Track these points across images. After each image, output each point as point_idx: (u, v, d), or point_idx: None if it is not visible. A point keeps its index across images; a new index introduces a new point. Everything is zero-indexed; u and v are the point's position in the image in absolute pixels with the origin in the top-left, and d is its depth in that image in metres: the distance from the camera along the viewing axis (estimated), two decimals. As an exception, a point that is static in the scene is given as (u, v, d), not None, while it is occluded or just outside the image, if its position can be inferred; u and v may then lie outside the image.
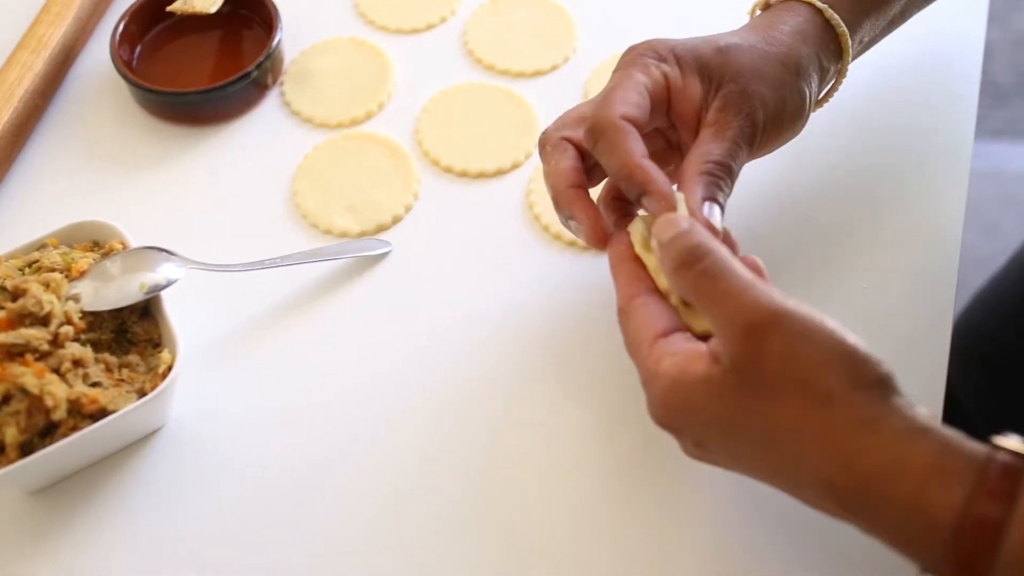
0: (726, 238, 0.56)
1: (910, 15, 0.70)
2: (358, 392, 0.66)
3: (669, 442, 0.53)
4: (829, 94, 0.66)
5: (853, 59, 0.65)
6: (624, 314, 0.54)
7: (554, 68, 0.81)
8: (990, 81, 1.85)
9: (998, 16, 1.86)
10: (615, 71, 0.60)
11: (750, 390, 0.48)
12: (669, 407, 0.51)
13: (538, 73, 0.81)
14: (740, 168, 0.58)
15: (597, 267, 0.71)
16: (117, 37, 0.80)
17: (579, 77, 0.81)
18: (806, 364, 0.47)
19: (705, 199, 0.55)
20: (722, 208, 0.56)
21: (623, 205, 0.61)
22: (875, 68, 0.79)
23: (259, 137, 0.79)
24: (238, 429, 0.65)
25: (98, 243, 0.67)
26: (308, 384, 0.67)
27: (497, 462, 0.63)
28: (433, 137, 0.77)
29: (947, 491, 0.44)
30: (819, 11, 0.63)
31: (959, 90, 0.79)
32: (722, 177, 0.56)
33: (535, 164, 0.76)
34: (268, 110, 0.80)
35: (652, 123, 0.60)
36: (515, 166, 0.76)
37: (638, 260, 0.56)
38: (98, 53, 0.83)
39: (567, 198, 0.59)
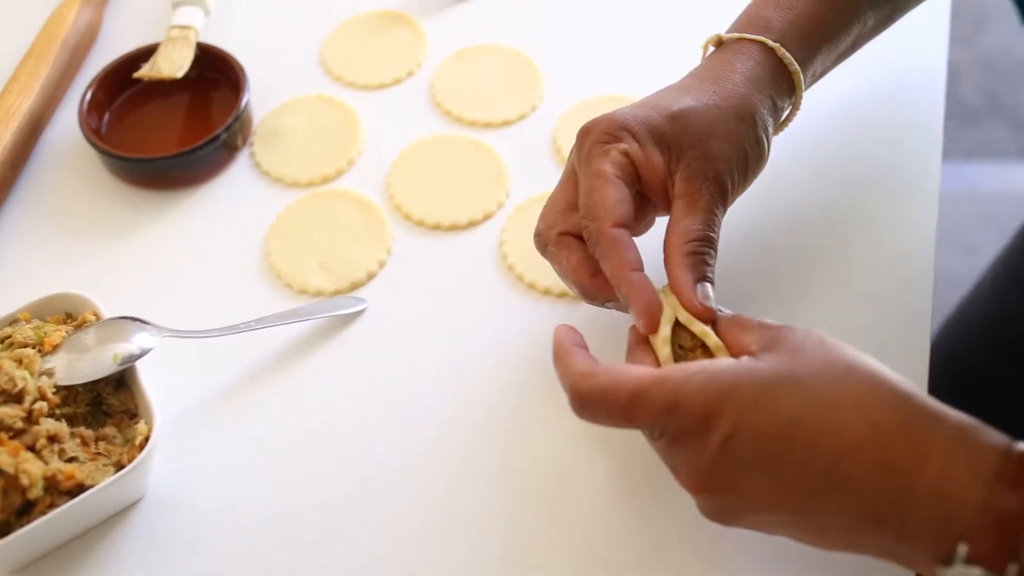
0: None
1: (860, 46, 0.71)
2: (339, 453, 0.66)
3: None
4: (783, 125, 0.67)
5: (805, 91, 0.66)
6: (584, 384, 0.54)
7: (522, 117, 0.82)
8: (959, 102, 1.87)
9: (964, 38, 1.88)
10: (579, 165, 0.61)
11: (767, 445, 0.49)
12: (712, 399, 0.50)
13: (506, 123, 0.82)
14: (719, 229, 0.60)
15: (575, 313, 0.71)
16: (85, 105, 0.80)
17: (547, 125, 0.81)
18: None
19: (697, 281, 0.57)
20: (712, 282, 0.58)
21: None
22: (840, 101, 0.80)
23: (231, 199, 0.79)
24: (218, 494, 0.64)
25: (71, 315, 0.67)
26: (288, 447, 0.66)
27: (480, 519, 0.62)
28: (404, 191, 0.78)
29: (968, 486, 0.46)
30: (771, 50, 0.63)
31: (924, 117, 0.80)
32: (707, 252, 0.58)
33: (507, 214, 0.76)
34: (239, 171, 0.81)
35: (636, 212, 0.61)
36: (487, 217, 0.76)
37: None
38: (67, 122, 0.84)
39: (595, 286, 0.61)
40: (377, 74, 0.85)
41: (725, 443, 0.49)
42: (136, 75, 0.81)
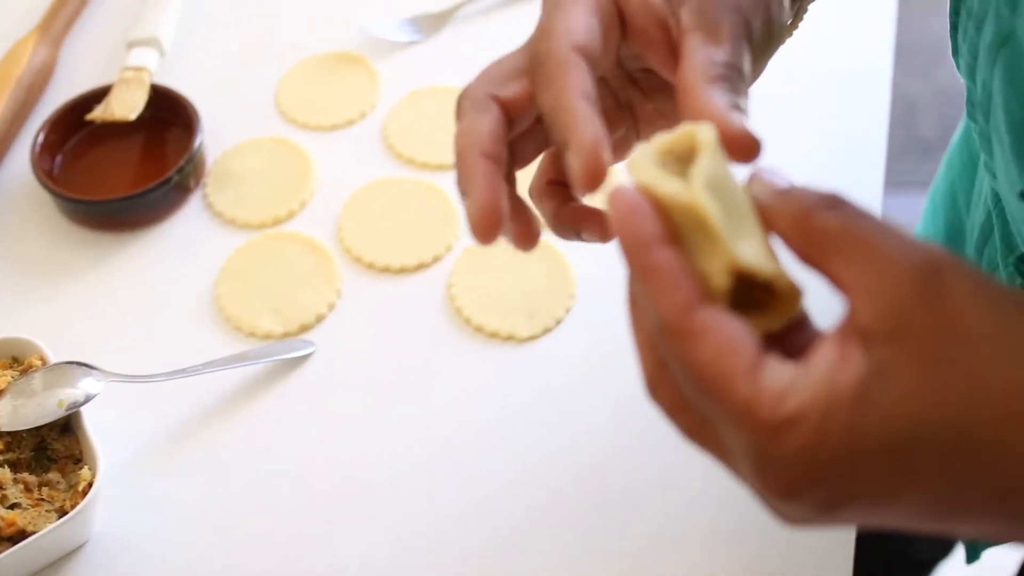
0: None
1: None
2: (286, 497, 0.66)
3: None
4: (799, 15, 0.52)
5: None
6: (683, 338, 0.35)
7: (473, 160, 0.83)
8: (917, 136, 1.90)
9: (922, 71, 1.91)
10: (545, 6, 0.46)
11: (938, 356, 0.33)
12: (822, 461, 0.33)
13: (457, 165, 0.83)
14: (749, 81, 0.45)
15: (521, 357, 0.72)
16: (37, 147, 0.81)
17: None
18: (1006, 312, 0.33)
19: (731, 107, 0.41)
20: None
21: (563, 191, 0.48)
22: (783, 138, 0.81)
23: (183, 240, 0.79)
24: (163, 540, 0.65)
25: (17, 359, 0.67)
26: (235, 492, 0.67)
27: (435, 561, 0.63)
28: (354, 233, 0.78)
29: None
30: None
31: (866, 152, 0.82)
32: (739, 81, 0.43)
33: (455, 257, 0.77)
34: (191, 212, 0.81)
35: (607, 53, 0.45)
36: (436, 259, 0.77)
37: (671, 239, 0.36)
38: (19, 161, 0.84)
39: (469, 165, 0.44)
40: (330, 115, 0.86)
41: (834, 506, 0.35)
42: (89, 117, 0.81)
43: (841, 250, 0.34)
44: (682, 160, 0.37)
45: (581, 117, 0.41)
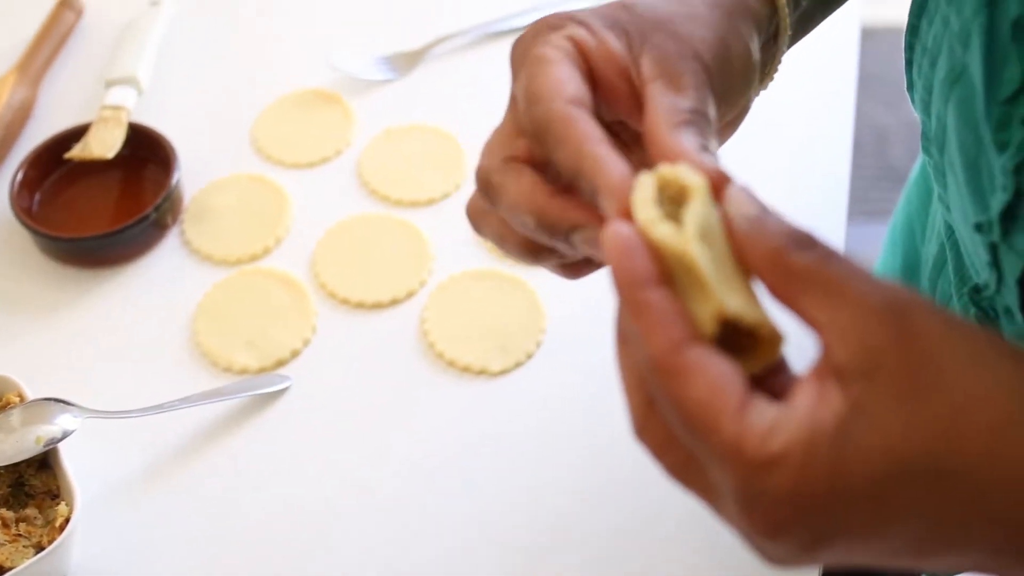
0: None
1: None
2: (264, 530, 0.67)
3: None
4: (773, 63, 0.54)
5: (793, 34, 0.53)
6: (673, 376, 0.36)
7: (446, 196, 0.85)
8: (888, 165, 1.93)
9: (892, 102, 1.95)
10: (515, 72, 0.47)
11: (913, 392, 0.34)
12: (806, 499, 0.34)
13: (431, 201, 0.84)
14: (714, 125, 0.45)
15: (494, 390, 0.73)
16: (16, 185, 0.82)
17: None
18: (976, 347, 0.35)
19: (700, 148, 0.42)
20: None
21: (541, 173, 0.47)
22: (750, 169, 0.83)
23: (160, 277, 0.81)
24: (141, 575, 0.66)
25: (-5, 396, 0.68)
26: (212, 526, 0.68)
27: (397, 594, 0.64)
28: (329, 269, 0.80)
29: None
30: None
31: (831, 180, 0.84)
32: (705, 125, 0.43)
33: (429, 292, 0.78)
34: (169, 249, 0.82)
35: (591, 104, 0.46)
36: (409, 295, 0.78)
37: (663, 279, 0.37)
38: (-1, 199, 0.85)
39: (557, 207, 0.44)
40: (306, 153, 0.88)
41: (820, 540, 0.36)
42: (68, 156, 0.82)
43: (813, 290, 0.35)
44: (675, 200, 0.39)
45: (604, 162, 0.41)
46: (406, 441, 0.71)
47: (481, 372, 0.74)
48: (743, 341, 0.37)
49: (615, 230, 0.37)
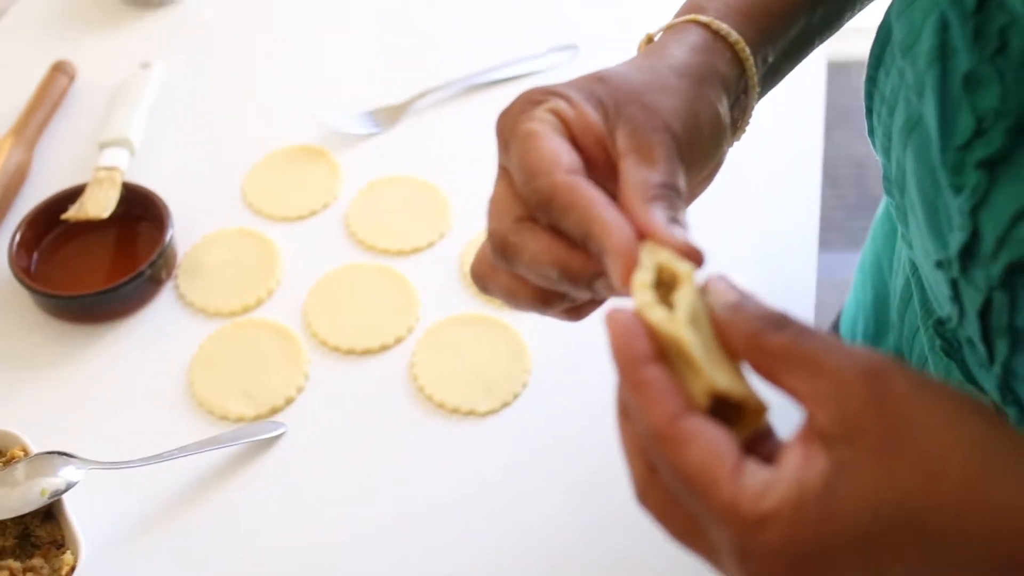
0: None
1: (813, 44, 0.63)
2: (263, 572, 0.69)
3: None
4: (744, 117, 0.58)
5: (762, 88, 0.58)
6: (672, 443, 0.39)
7: (431, 244, 0.88)
8: (867, 195, 1.97)
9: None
10: (505, 147, 0.50)
11: (890, 450, 0.37)
12: (797, 552, 0.37)
13: (416, 250, 0.87)
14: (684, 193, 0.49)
15: (479, 431, 0.76)
16: (14, 246, 0.85)
17: (455, 250, 0.87)
18: (945, 406, 0.38)
19: (670, 221, 0.45)
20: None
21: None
22: (722, 213, 0.87)
23: (156, 330, 0.83)
24: (144, 620, 0.68)
25: (1, 451, 0.71)
26: (213, 571, 0.70)
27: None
28: (320, 318, 0.83)
29: None
30: (706, 25, 0.54)
31: (801, 211, 0.88)
32: (675, 198, 0.47)
33: (416, 338, 0.81)
34: (164, 303, 0.85)
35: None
36: (398, 340, 0.81)
37: (659, 357, 0.41)
38: (-3, 259, 0.88)
39: (579, 260, 0.47)
40: (295, 207, 0.91)
41: None
42: (64, 217, 0.85)
43: (792, 366, 0.39)
44: (666, 285, 0.43)
45: (611, 225, 0.45)
46: (398, 481, 0.73)
47: (469, 413, 0.77)
48: (731, 412, 0.41)
49: (615, 315, 0.41)
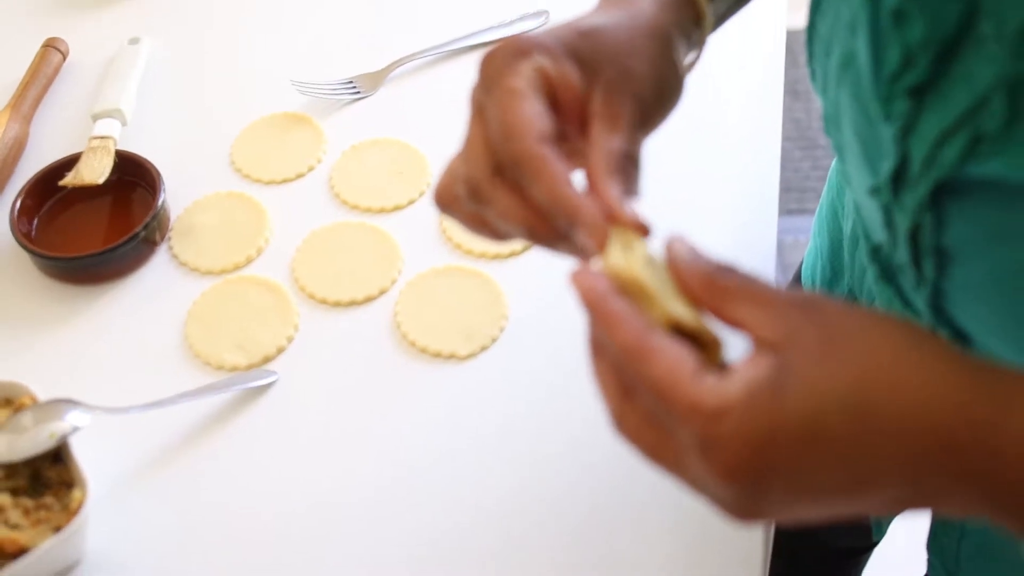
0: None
1: None
2: (258, 513, 0.74)
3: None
4: (691, 65, 0.63)
5: (715, 27, 0.63)
6: (643, 355, 0.45)
7: (411, 202, 0.92)
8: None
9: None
10: (486, 92, 0.54)
11: (827, 351, 0.44)
12: (753, 438, 0.43)
13: (397, 208, 0.92)
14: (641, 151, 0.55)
15: (460, 374, 0.81)
16: (15, 212, 0.89)
17: (434, 209, 0.91)
18: (872, 316, 0.45)
19: (627, 195, 0.51)
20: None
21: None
22: (689, 178, 0.91)
23: (152, 289, 0.88)
24: (150, 556, 0.72)
25: (10, 400, 0.75)
26: (209, 511, 0.74)
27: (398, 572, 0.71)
28: (307, 273, 0.87)
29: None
30: None
31: (762, 188, 0.92)
32: (631, 168, 0.53)
33: (399, 289, 0.86)
34: (159, 264, 0.90)
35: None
36: (382, 292, 0.86)
37: (620, 292, 0.47)
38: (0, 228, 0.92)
39: (546, 226, 0.52)
40: (281, 170, 0.95)
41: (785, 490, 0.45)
42: (61, 183, 0.90)
43: (740, 301, 0.46)
44: (626, 248, 0.49)
45: (577, 203, 0.50)
46: (384, 423, 0.78)
47: (450, 357, 0.81)
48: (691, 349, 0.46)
49: (579, 270, 0.47)
